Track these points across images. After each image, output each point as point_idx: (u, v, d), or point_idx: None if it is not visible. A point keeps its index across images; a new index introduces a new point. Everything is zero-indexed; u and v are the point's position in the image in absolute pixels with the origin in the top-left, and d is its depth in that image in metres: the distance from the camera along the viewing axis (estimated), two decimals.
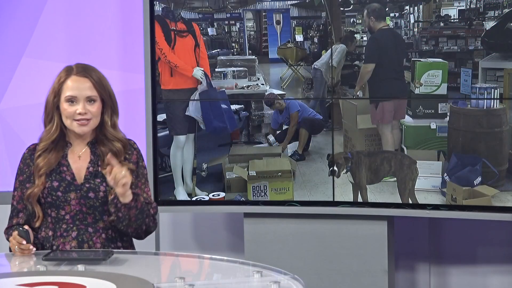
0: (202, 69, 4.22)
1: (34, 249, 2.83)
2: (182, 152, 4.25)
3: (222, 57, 4.30)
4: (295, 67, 4.24)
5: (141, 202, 2.88)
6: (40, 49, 4.62)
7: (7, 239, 2.95)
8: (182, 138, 4.25)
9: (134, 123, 4.21)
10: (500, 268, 4.30)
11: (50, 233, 2.92)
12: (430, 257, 4.39)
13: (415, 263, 4.41)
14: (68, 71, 2.95)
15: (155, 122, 4.17)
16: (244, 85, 4.27)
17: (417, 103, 3.96)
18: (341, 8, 4.08)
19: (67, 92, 2.91)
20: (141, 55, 4.18)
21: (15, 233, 2.82)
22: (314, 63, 4.12)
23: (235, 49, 4.33)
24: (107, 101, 2.95)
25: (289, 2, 4.22)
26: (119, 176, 2.77)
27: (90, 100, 2.92)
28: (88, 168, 2.95)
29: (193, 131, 4.25)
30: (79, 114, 2.89)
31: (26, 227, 2.86)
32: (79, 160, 2.97)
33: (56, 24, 4.62)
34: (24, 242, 2.80)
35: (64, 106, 2.91)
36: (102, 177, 2.93)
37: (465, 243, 4.33)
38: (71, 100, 2.90)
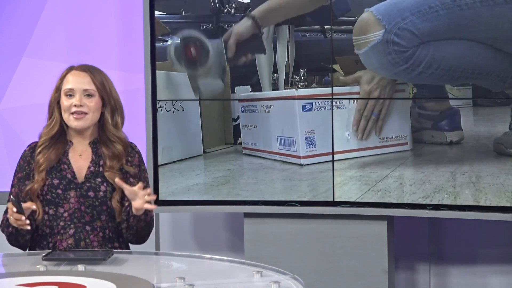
0: None
1: (28, 221, 2.79)
2: None
3: None
4: None
5: (150, 217, 2.92)
6: (40, 49, 4.62)
7: (3, 231, 2.95)
8: None
9: (134, 123, 4.21)
10: (500, 268, 4.30)
11: (47, 230, 2.93)
12: (430, 257, 4.40)
13: (415, 263, 4.41)
14: (70, 68, 3.01)
15: (155, 122, 4.17)
16: None
17: None
18: None
19: (66, 85, 2.96)
20: (141, 55, 4.18)
21: (9, 203, 2.83)
22: None
23: None
24: (107, 99, 2.96)
25: None
26: (143, 192, 2.81)
27: (88, 94, 2.95)
28: (89, 167, 2.96)
29: None
30: (75, 106, 2.91)
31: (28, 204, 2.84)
32: (80, 159, 2.98)
33: (56, 24, 4.62)
34: (15, 209, 2.77)
35: (63, 100, 2.95)
36: (103, 177, 2.95)
37: (465, 243, 4.34)
38: (69, 93, 2.94)
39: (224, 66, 4.11)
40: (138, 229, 2.93)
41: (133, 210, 2.87)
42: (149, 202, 2.83)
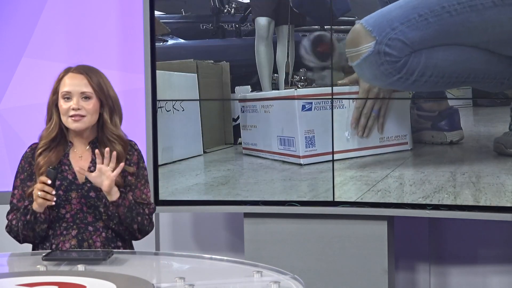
0: None
1: (55, 198, 2.81)
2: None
3: None
4: None
5: (129, 201, 2.91)
6: (40, 49, 4.62)
7: (8, 231, 2.95)
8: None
9: (134, 123, 4.21)
10: (500, 268, 4.30)
11: (50, 232, 2.93)
12: (430, 257, 4.40)
13: (415, 263, 4.41)
14: (67, 70, 3.00)
15: (155, 122, 4.18)
16: None
17: None
18: None
19: (63, 88, 2.95)
20: (141, 55, 4.18)
21: (42, 177, 2.82)
22: None
23: None
24: (104, 100, 2.96)
25: None
26: (102, 167, 2.84)
27: (85, 97, 2.94)
28: (89, 167, 2.96)
29: None
30: (73, 109, 2.91)
31: None
32: (80, 159, 2.98)
33: (56, 24, 4.62)
34: (49, 182, 2.78)
35: (61, 103, 2.94)
36: None
37: (465, 243, 4.34)
38: (67, 96, 2.94)
39: None
40: (121, 217, 2.90)
41: (107, 197, 2.87)
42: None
